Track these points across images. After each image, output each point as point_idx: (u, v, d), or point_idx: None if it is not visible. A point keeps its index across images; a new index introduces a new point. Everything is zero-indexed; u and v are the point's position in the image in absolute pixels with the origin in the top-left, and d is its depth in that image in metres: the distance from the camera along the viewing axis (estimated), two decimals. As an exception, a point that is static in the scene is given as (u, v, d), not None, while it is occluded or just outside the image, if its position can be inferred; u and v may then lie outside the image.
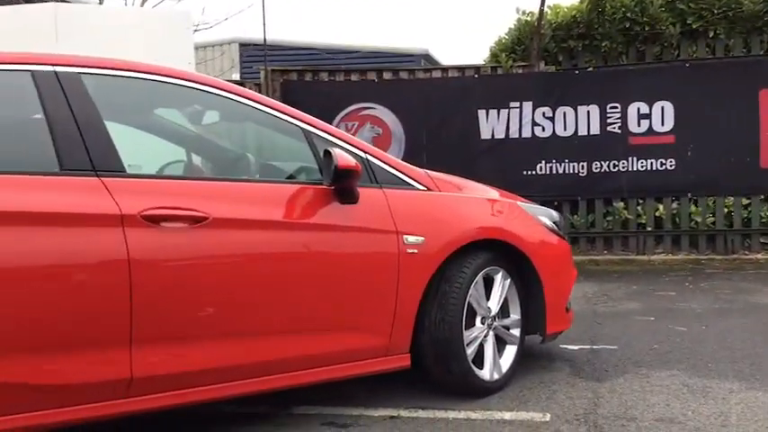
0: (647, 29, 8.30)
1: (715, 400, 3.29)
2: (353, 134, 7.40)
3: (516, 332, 3.65)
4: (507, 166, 8.08)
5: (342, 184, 3.04)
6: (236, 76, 14.17)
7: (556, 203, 7.88)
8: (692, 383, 3.55)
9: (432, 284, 3.28)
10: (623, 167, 8.17)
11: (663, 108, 8.05)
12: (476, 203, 3.63)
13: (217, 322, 2.78)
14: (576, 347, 4.31)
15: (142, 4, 12.41)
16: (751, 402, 3.26)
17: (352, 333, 3.12)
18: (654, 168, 8.09)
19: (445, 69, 8.99)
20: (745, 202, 8.15)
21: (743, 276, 7.03)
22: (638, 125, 8.12)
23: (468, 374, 3.36)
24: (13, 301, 2.37)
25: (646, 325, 4.96)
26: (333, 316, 3.07)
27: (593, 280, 6.92)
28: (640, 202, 8.31)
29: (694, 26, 8.22)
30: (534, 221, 3.78)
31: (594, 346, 4.34)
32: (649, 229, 8.28)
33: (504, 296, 3.56)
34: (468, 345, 3.36)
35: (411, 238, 3.21)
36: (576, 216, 8.39)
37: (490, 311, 3.50)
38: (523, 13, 8.95)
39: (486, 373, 3.45)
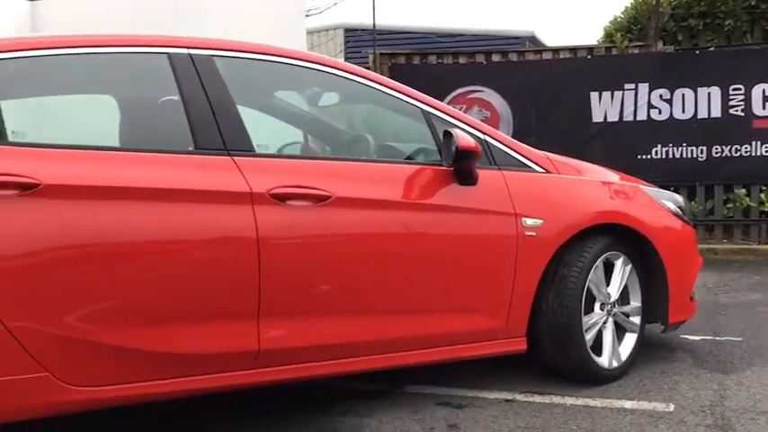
0: (774, 6, 7.82)
1: None
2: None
3: (636, 320, 3.54)
4: (620, 150, 7.82)
5: (461, 165, 3.03)
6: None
7: (672, 189, 7.54)
8: (827, 380, 3.36)
9: (550, 268, 3.23)
10: (746, 152, 7.75)
11: (790, 89, 7.58)
12: (596, 186, 3.54)
13: (337, 299, 2.84)
14: (697, 338, 4.14)
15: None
16: None
17: (468, 315, 3.12)
18: (779, 153, 7.64)
19: (556, 50, 8.77)
20: None
21: None
22: (764, 108, 7.67)
23: (585, 361, 3.29)
24: (152, 274, 2.50)
25: (772, 317, 4.71)
26: (450, 297, 3.07)
27: (713, 269, 6.61)
28: (763, 189, 7.88)
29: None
30: (657, 206, 3.65)
31: (718, 338, 4.16)
32: (773, 217, 7.84)
33: (624, 282, 3.47)
34: (586, 331, 3.29)
35: (529, 221, 3.17)
36: (693, 203, 8.03)
37: (610, 298, 3.41)
38: (640, -9, 8.62)
39: (604, 361, 3.37)
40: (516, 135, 8.10)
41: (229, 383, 2.68)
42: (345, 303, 2.86)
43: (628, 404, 3.11)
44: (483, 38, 15.45)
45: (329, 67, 3.08)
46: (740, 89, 7.72)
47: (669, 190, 6.97)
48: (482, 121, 8.27)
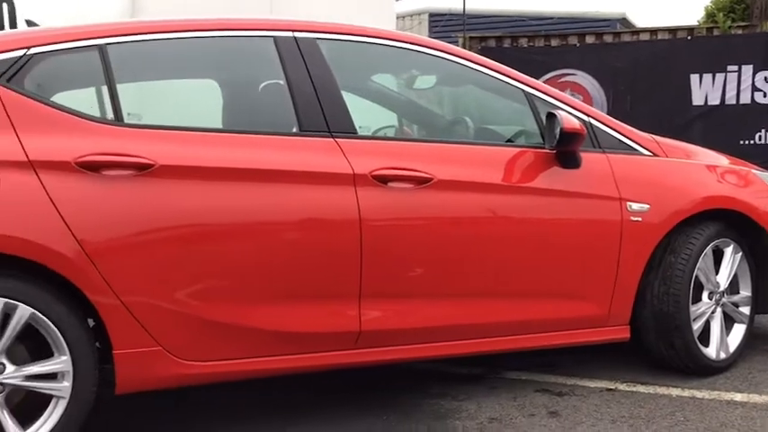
0: None
1: None
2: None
3: (746, 310, 3.39)
4: (722, 135, 7.48)
5: (564, 148, 2.95)
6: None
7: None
8: None
9: (656, 255, 3.12)
10: None
11: None
12: (706, 171, 3.39)
13: (438, 282, 2.82)
14: (810, 331, 3.94)
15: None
16: None
17: (569, 301, 3.05)
18: None
19: (654, 32, 8.46)
20: None
21: None
22: None
23: (692, 351, 3.17)
24: (258, 253, 2.54)
25: None
26: (551, 282, 3.01)
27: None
28: None
29: None
30: (771, 191, 3.47)
31: (833, 332, 3.94)
32: None
33: (734, 271, 3.32)
34: (693, 320, 3.17)
35: (635, 206, 3.07)
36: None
37: (719, 287, 3.27)
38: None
39: (711, 352, 3.24)
40: (610, 119, 7.89)
41: (331, 363, 2.71)
42: (445, 286, 2.84)
43: (738, 397, 2.99)
44: (573, 20, 15.10)
45: (430, 48, 3.05)
46: None
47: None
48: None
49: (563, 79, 8.35)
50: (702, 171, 3.38)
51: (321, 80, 2.74)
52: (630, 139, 3.23)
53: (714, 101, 7.75)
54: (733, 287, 3.36)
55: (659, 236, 3.11)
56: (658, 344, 3.19)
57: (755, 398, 2.97)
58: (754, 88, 7.61)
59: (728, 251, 3.29)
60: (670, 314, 3.11)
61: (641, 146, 3.24)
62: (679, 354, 3.18)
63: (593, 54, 8.29)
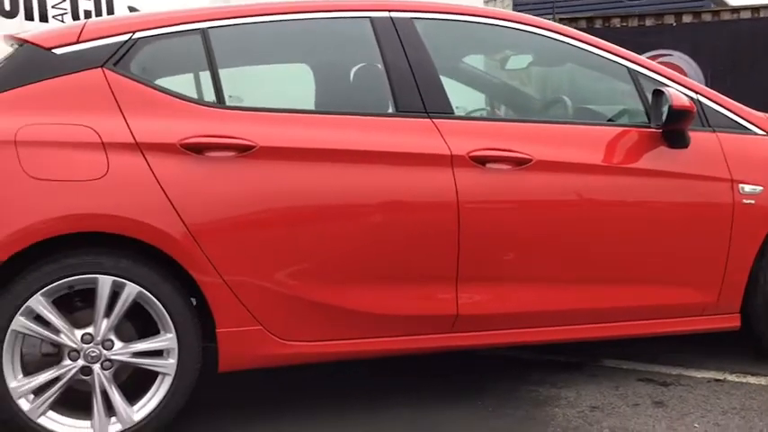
0: None
1: None
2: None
3: None
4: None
5: (672, 127, 2.82)
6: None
7: None
8: None
9: (769, 240, 2.95)
10: None
11: None
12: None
13: (537, 266, 2.75)
14: None
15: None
16: None
17: (676, 287, 2.92)
18: None
19: (756, 9, 8.04)
20: None
21: None
22: None
23: (808, 343, 3.00)
24: (356, 234, 2.53)
25: None
26: (656, 268, 2.89)
27: None
28: None
29: None
30: None
31: None
32: None
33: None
34: (810, 309, 2.98)
35: (748, 188, 2.91)
36: None
37: (837, 273, 3.06)
38: None
39: (828, 343, 3.05)
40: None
41: (428, 346, 2.68)
42: (543, 271, 2.76)
43: None
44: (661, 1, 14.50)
45: (527, 24, 2.96)
46: None
47: None
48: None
49: (658, 60, 8.02)
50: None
51: (417, 60, 2.70)
52: (742, 118, 3.06)
53: (824, 80, 7.32)
54: None
55: (774, 220, 2.94)
56: (772, 333, 3.02)
57: None
58: None
59: None
60: (785, 303, 2.94)
61: (754, 124, 3.06)
62: (794, 344, 3.01)
63: (690, 33, 7.95)
